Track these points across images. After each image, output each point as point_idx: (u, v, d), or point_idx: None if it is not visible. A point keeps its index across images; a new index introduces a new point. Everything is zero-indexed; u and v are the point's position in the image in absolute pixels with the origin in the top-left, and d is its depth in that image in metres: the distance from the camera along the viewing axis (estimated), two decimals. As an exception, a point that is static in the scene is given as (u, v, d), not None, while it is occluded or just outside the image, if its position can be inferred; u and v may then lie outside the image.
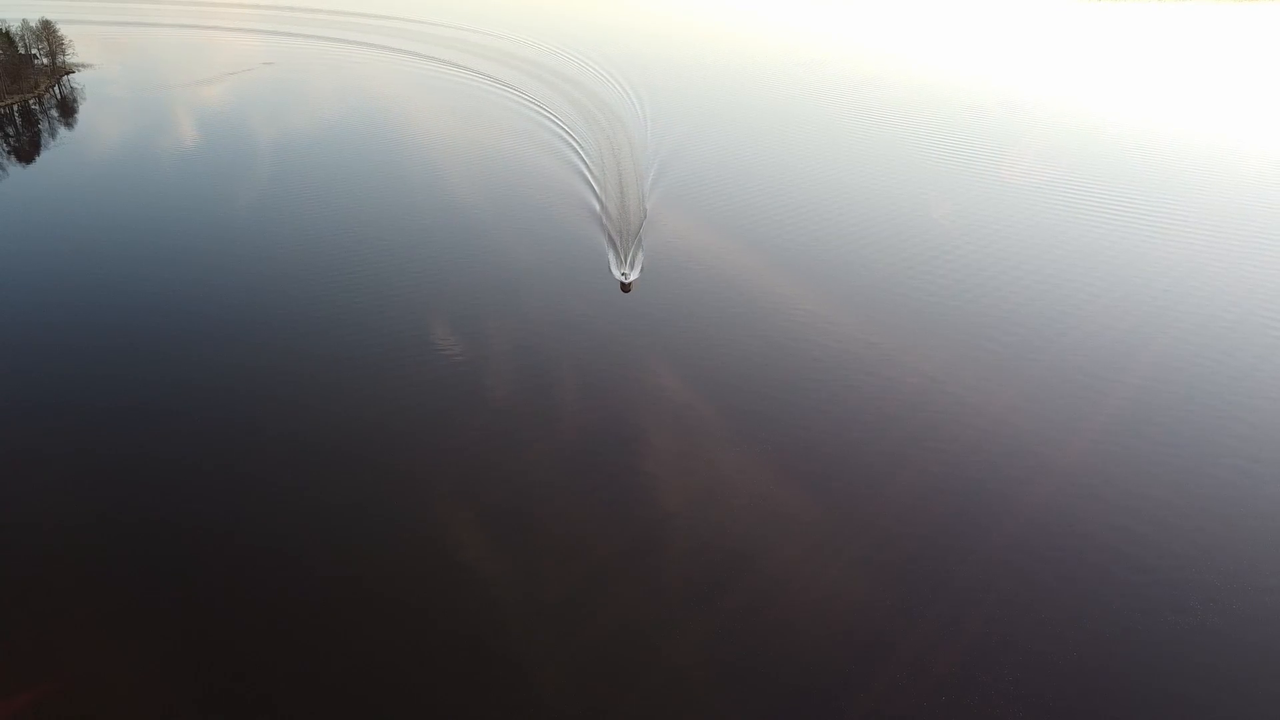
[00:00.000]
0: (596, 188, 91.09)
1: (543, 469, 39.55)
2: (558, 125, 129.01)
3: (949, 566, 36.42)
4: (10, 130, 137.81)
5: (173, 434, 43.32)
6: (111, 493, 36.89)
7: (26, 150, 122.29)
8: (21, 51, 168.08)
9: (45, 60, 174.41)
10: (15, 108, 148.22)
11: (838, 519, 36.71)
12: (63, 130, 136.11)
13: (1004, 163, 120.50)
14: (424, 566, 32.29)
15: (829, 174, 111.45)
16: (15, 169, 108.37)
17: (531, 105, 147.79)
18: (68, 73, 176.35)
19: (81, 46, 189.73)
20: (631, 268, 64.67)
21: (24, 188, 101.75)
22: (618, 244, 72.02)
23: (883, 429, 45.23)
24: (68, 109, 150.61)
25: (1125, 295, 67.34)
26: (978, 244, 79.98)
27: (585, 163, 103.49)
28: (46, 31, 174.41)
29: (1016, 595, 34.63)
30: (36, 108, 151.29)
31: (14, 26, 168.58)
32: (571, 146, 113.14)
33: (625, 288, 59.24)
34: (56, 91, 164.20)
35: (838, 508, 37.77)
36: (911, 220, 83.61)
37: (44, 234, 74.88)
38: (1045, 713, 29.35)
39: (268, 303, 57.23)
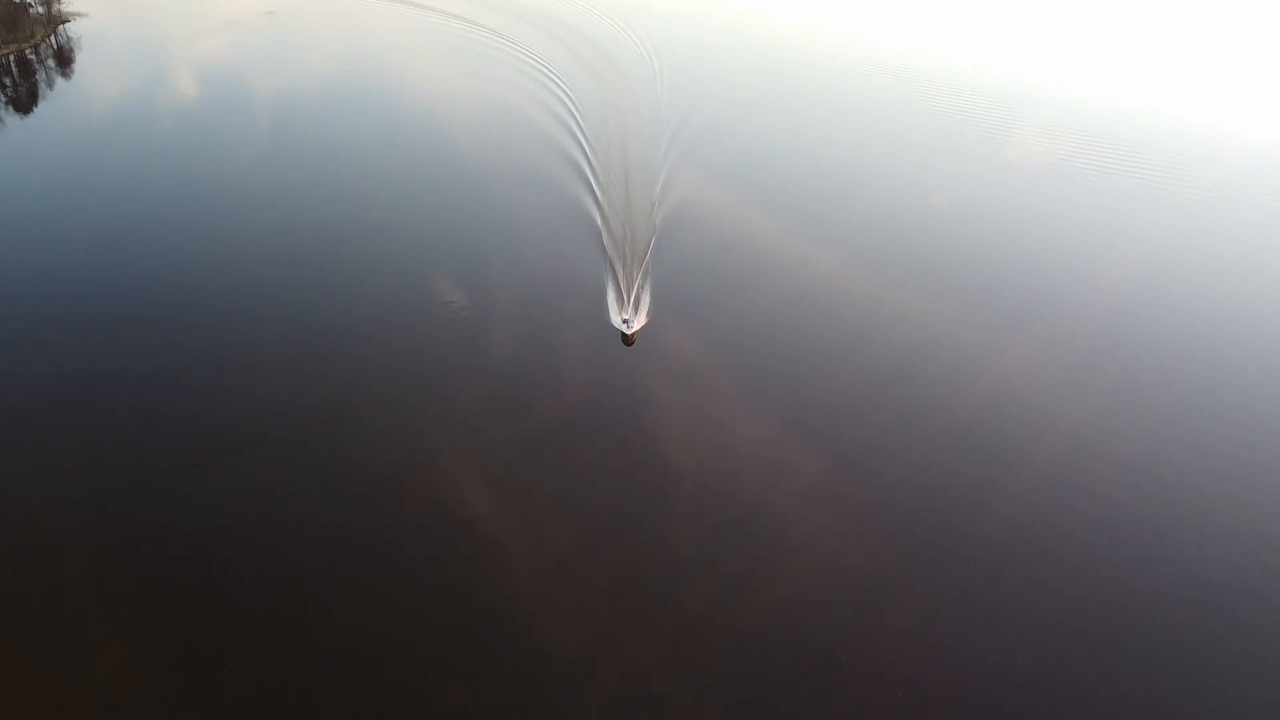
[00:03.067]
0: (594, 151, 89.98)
1: (547, 426, 39.45)
2: (560, 87, 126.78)
3: (954, 526, 36.49)
4: (7, 80, 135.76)
5: (168, 390, 43.10)
6: (104, 449, 36.82)
7: (24, 101, 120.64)
8: (17, 0, 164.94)
9: (41, 9, 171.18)
10: (12, 57, 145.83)
11: (844, 477, 36.74)
12: (60, 81, 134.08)
13: (1020, 126, 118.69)
14: (426, 523, 32.32)
15: (845, 137, 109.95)
16: (13, 120, 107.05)
17: (540, 63, 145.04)
18: (64, 22, 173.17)
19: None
20: (635, 312, 55.71)
21: (22, 139, 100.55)
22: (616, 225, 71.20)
23: (890, 388, 45.11)
24: (65, 59, 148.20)
25: (1135, 254, 66.90)
26: (988, 206, 79.18)
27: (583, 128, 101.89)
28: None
29: (1022, 556, 34.68)
30: (33, 57, 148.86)
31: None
32: (571, 110, 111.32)
33: (628, 339, 50.61)
34: (53, 41, 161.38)
35: (844, 466, 37.81)
36: (923, 181, 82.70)
37: (41, 185, 74.05)
38: (1049, 675, 29.52)
39: (265, 257, 56.75)
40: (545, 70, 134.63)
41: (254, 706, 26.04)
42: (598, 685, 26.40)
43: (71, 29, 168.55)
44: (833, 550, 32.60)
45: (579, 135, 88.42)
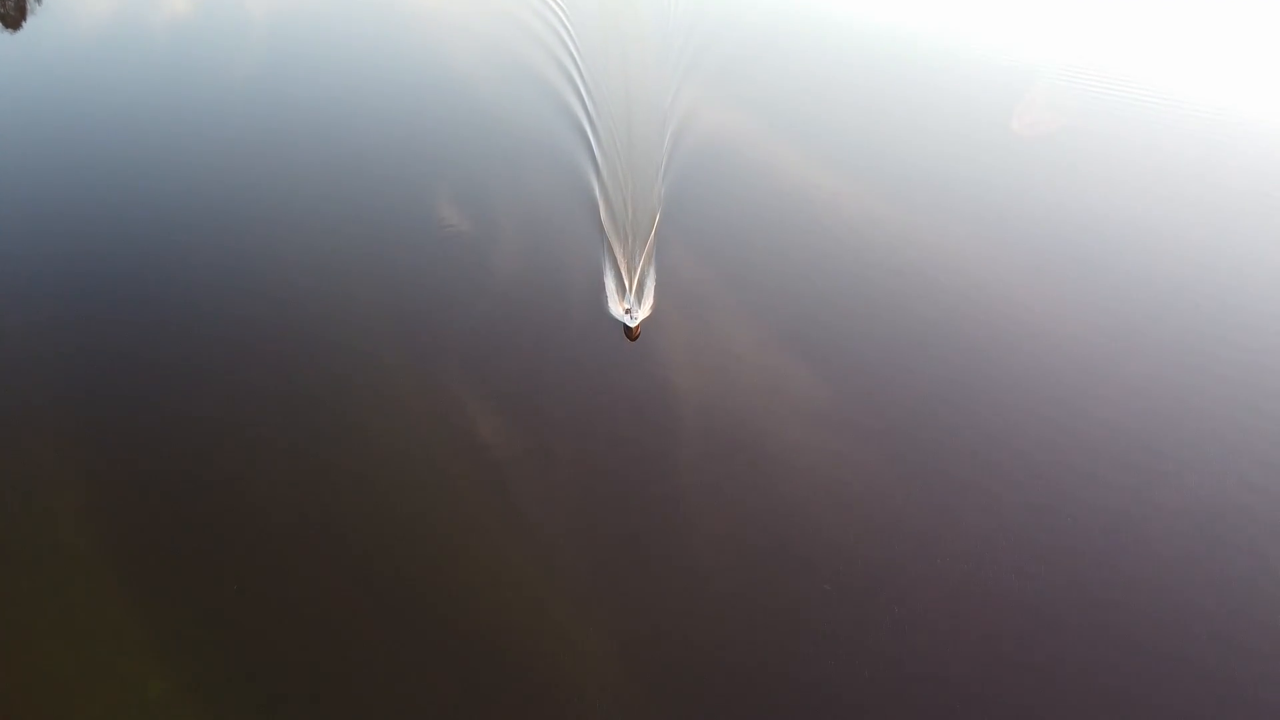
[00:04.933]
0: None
1: (551, 348, 38.99)
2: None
3: (958, 445, 36.47)
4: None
5: (164, 322, 42.51)
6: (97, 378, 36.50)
7: (12, 17, 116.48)
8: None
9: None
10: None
11: (848, 397, 36.74)
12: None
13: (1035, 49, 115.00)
14: (430, 450, 32.29)
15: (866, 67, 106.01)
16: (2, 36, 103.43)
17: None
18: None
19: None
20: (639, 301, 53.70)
21: (8, 58, 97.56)
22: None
23: (898, 307, 44.54)
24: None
25: (1147, 176, 65.87)
26: (996, 124, 77.49)
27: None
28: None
29: (1025, 478, 34.71)
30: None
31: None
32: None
33: (631, 334, 48.59)
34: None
35: (848, 385, 37.85)
36: (935, 100, 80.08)
37: (23, 105, 71.99)
38: (1047, 599, 29.85)
39: (259, 179, 55.59)
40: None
41: (261, 631, 26.17)
42: (599, 604, 26.72)
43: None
44: (837, 473, 32.91)
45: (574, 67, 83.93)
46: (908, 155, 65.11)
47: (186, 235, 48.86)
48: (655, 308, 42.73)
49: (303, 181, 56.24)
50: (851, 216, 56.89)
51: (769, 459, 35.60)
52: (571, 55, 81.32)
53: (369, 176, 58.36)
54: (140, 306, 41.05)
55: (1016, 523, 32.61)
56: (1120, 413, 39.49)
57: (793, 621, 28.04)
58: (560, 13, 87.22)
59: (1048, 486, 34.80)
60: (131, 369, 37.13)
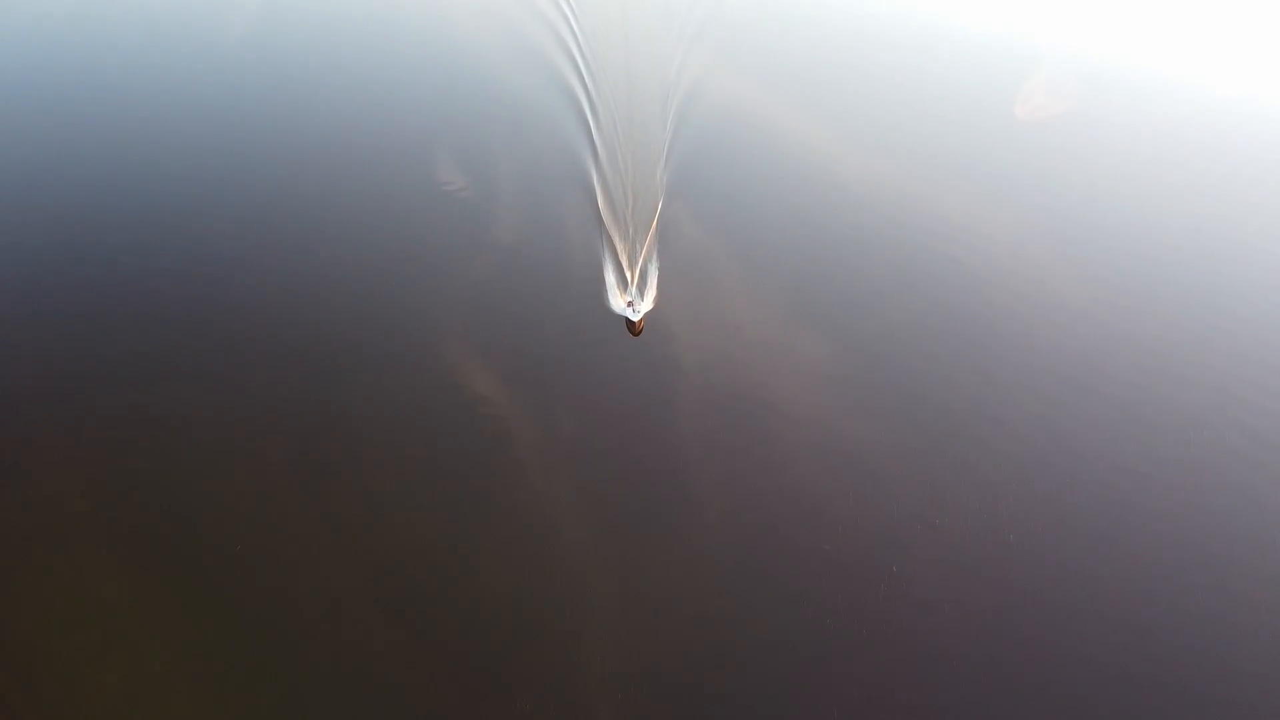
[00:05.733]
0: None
1: (553, 311, 39.24)
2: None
3: (961, 403, 36.64)
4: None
5: (152, 264, 43.13)
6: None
7: None
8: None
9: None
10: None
11: (853, 366, 36.88)
12: None
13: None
14: (434, 408, 32.86)
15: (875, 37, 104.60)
16: None
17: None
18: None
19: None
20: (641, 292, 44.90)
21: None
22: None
23: (901, 266, 44.58)
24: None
25: (1155, 140, 65.36)
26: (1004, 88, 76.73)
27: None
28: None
29: (1026, 446, 34.80)
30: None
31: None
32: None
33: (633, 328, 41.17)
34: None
35: (850, 346, 38.01)
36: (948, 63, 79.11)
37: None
38: (1045, 553, 30.06)
39: (256, 134, 55.98)
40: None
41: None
42: (600, 560, 27.50)
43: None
44: (839, 441, 33.10)
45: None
46: (916, 128, 64.62)
47: (179, 187, 49.10)
48: (659, 295, 41.45)
49: (301, 149, 56.11)
50: (858, 183, 56.30)
51: (774, 427, 35.74)
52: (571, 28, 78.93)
53: (369, 140, 58.26)
54: (145, 266, 41.81)
55: (1016, 488, 32.79)
56: (1121, 377, 39.59)
57: (793, 582, 28.31)
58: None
59: (1047, 452, 34.94)
60: (130, 327, 37.92)
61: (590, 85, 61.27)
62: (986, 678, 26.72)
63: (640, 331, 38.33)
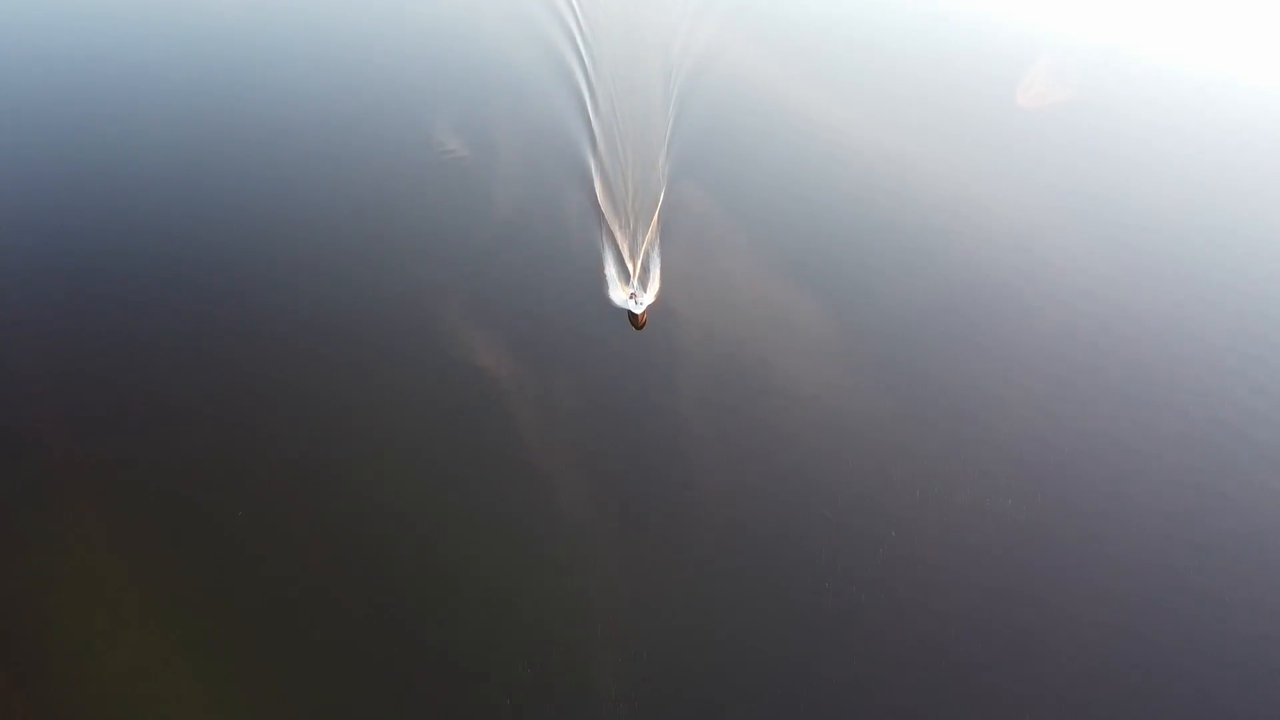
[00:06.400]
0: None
1: (552, 274, 39.41)
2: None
3: (963, 371, 36.87)
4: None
5: (148, 236, 43.32)
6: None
7: None
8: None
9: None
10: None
11: (849, 324, 37.11)
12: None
13: None
14: (436, 368, 33.25)
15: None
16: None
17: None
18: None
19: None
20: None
21: None
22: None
23: (905, 249, 44.46)
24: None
25: (1163, 108, 65.02)
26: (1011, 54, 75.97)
27: None
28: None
29: (1025, 406, 35.06)
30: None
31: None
32: None
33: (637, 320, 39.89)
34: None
35: (849, 312, 38.22)
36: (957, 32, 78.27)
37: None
38: (1049, 518, 30.54)
39: (253, 99, 55.85)
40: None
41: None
42: (599, 528, 27.81)
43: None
44: (837, 402, 33.88)
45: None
46: (922, 108, 63.53)
47: (177, 159, 48.83)
48: (661, 281, 40.68)
49: (299, 112, 55.22)
50: (867, 160, 55.35)
51: (772, 387, 35.08)
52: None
53: (366, 101, 57.25)
54: (149, 227, 41.66)
55: (1014, 448, 33.04)
56: (1122, 353, 39.53)
57: (790, 546, 28.42)
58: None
59: (1045, 414, 35.13)
60: (143, 290, 38.36)
61: (590, 68, 60.40)
62: (981, 638, 27.19)
63: (644, 325, 37.55)
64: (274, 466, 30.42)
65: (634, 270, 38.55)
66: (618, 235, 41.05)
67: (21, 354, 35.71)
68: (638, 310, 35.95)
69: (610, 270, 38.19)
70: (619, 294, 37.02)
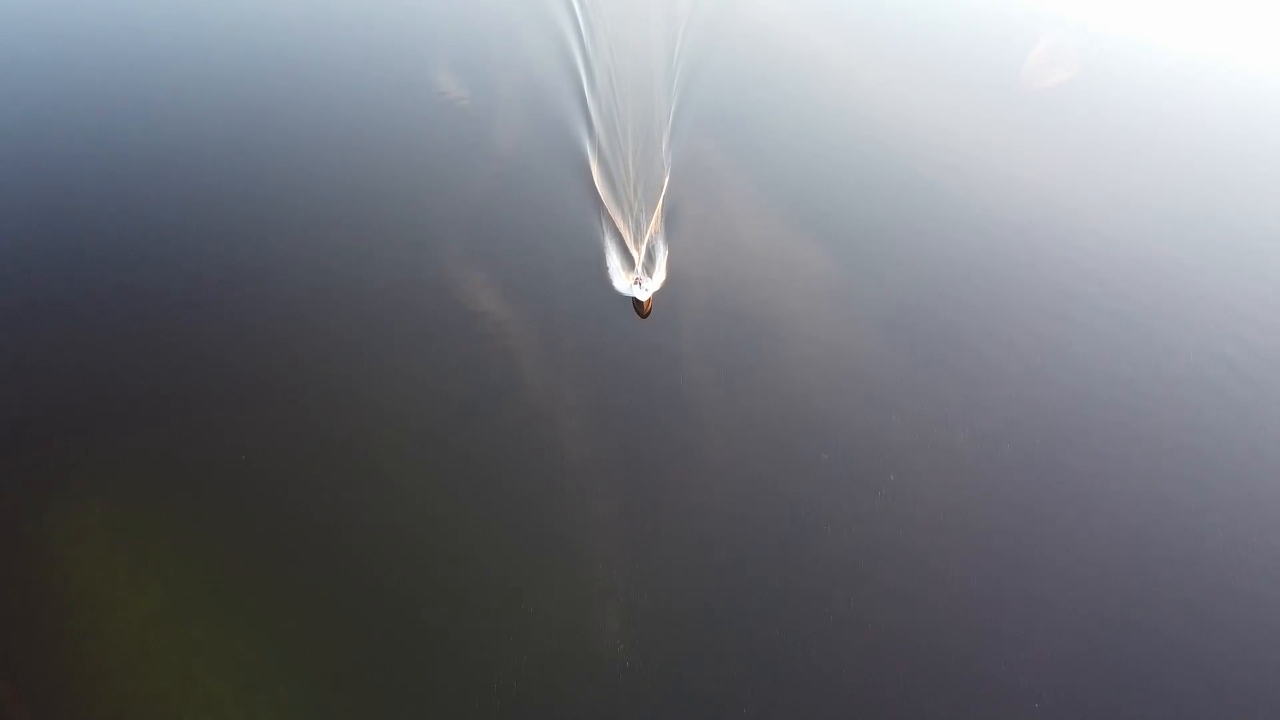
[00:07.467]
0: None
1: (554, 222, 38.91)
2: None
3: (967, 328, 36.30)
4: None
5: (150, 205, 43.17)
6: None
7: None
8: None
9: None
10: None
11: (854, 275, 36.81)
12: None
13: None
14: (438, 320, 33.22)
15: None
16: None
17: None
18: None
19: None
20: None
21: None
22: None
23: (906, 186, 43.58)
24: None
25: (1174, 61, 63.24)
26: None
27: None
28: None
29: (1026, 356, 34.63)
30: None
31: None
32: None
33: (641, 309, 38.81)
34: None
35: (854, 264, 37.77)
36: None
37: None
38: (1045, 467, 31.18)
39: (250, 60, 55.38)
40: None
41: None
42: (603, 480, 27.95)
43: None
44: (838, 344, 34.25)
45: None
46: (936, 59, 61.71)
47: (176, 116, 48.35)
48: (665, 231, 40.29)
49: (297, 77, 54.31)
50: (884, 127, 54.03)
51: (772, 330, 35.30)
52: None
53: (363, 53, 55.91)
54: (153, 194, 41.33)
55: (1013, 397, 32.91)
56: (1128, 294, 39.21)
57: (789, 489, 28.09)
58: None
59: (1049, 367, 34.98)
60: (144, 279, 36.50)
61: (587, 43, 58.79)
62: (979, 580, 27.68)
63: (649, 313, 36.44)
64: (276, 455, 30.51)
65: (638, 255, 37.18)
66: (619, 223, 39.77)
67: (22, 354, 35.76)
68: (643, 297, 34.77)
69: (613, 260, 36.95)
70: (623, 282, 35.85)
